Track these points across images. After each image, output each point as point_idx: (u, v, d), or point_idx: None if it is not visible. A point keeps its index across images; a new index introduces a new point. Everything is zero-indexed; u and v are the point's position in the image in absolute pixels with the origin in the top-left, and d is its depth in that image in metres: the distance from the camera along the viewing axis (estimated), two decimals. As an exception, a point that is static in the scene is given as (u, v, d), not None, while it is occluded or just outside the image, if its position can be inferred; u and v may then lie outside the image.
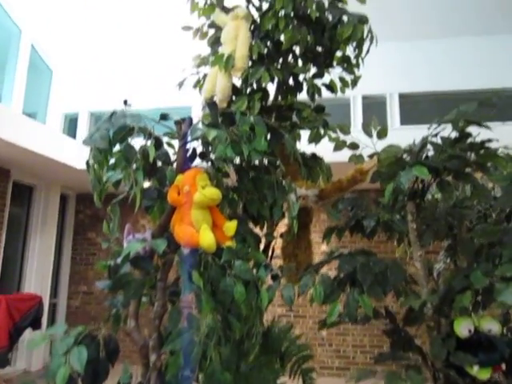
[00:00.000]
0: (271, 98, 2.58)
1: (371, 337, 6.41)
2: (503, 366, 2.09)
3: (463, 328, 1.94)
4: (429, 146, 2.11)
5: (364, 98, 6.74)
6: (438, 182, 2.03)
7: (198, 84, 2.80)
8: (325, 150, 2.68)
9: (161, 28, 6.72)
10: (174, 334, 1.83)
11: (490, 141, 1.92)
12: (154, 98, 6.93)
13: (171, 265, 2.09)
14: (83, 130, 7.46)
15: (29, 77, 6.86)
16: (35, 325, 5.47)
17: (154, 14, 6.73)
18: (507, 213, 2.39)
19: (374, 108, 6.79)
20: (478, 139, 2.04)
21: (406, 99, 6.79)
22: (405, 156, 2.05)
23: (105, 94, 7.33)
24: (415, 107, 7.18)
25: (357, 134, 2.63)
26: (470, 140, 1.95)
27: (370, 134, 2.50)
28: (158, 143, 2.07)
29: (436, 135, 2.03)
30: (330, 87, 2.68)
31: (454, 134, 2.09)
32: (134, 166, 1.94)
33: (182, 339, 1.88)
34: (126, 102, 2.07)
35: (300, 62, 2.62)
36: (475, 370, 1.96)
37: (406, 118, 6.66)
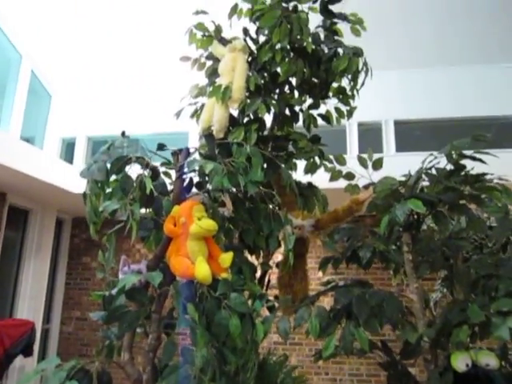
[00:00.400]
0: (268, 128, 2.61)
1: (368, 365, 6.32)
2: (501, 401, 2.06)
3: (460, 362, 1.92)
4: (424, 176, 2.13)
5: (360, 124, 6.82)
6: (434, 213, 2.04)
7: (196, 114, 2.83)
8: (321, 178, 2.71)
9: (160, 55, 6.83)
10: (169, 369, 1.80)
11: (484, 174, 1.95)
12: (152, 123, 6.99)
13: (166, 296, 2.08)
14: (80, 154, 7.49)
15: (28, 101, 6.92)
16: (27, 351, 5.35)
17: (154, 41, 6.84)
18: (503, 243, 2.40)
19: (370, 134, 6.86)
20: (474, 171, 2.07)
21: (402, 126, 6.87)
22: (400, 188, 2.07)
23: (103, 119, 7.39)
24: (411, 134, 7.26)
25: (353, 161, 2.65)
26: (464, 172, 1.97)
27: (365, 166, 2.52)
28: (154, 174, 2.08)
29: (430, 168, 2.05)
30: (326, 118, 2.72)
31: (449, 166, 2.11)
32: (131, 196, 1.94)
33: (176, 373, 1.85)
34: (123, 134, 2.08)
35: (296, 94, 2.66)
36: (473, 405, 1.94)
37: (402, 145, 6.72)
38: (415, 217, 2.14)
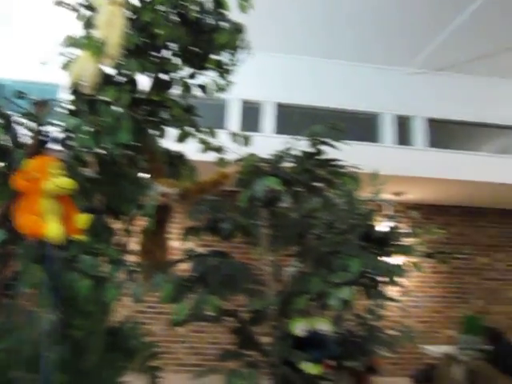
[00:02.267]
0: (144, 92, 2.53)
1: (227, 334, 6.61)
2: (333, 362, 2.32)
3: (299, 328, 2.11)
4: (292, 159, 2.27)
5: (245, 102, 6.94)
6: (291, 192, 2.19)
7: (67, 65, 2.62)
8: (194, 150, 2.71)
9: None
10: (4, 331, 1.69)
11: (335, 160, 2.13)
12: (21, 68, 6.31)
13: (11, 256, 1.93)
14: None
15: None
16: None
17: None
18: (351, 224, 2.65)
19: (254, 114, 7.02)
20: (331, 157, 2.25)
21: (285, 109, 7.14)
22: (264, 166, 2.17)
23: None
24: (293, 118, 7.58)
25: (230, 137, 2.69)
26: (319, 157, 2.13)
27: (238, 142, 2.59)
28: (7, 123, 1.90)
29: (291, 150, 2.19)
30: (203, 88, 2.71)
31: (311, 150, 2.27)
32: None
33: (15, 336, 1.75)
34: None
35: (176, 61, 2.61)
36: (307, 366, 2.15)
37: (283, 128, 7.00)
38: (274, 194, 2.27)
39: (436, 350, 5.69)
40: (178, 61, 2.62)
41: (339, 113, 7.06)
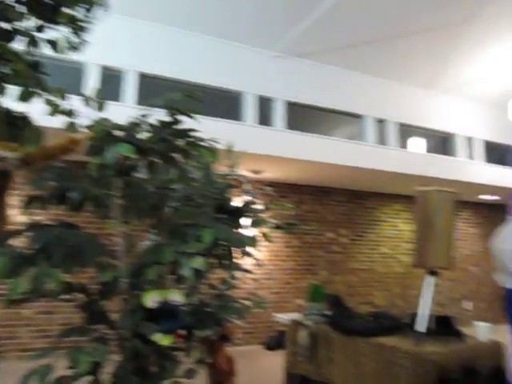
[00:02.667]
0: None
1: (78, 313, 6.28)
2: (184, 332, 2.35)
3: (150, 299, 2.09)
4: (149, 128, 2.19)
5: (106, 69, 6.52)
6: (147, 162, 2.12)
7: None
8: (42, 113, 2.46)
9: None
10: None
11: (193, 130, 2.12)
12: None
13: None
14: None
15: None
16: None
17: None
18: (205, 197, 2.69)
19: (114, 82, 6.65)
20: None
21: (147, 80, 6.89)
22: (118, 132, 2.06)
23: None
24: (156, 91, 7.35)
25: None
26: (176, 127, 2.10)
27: (93, 106, 2.42)
28: None
29: (145, 116, 2.11)
30: (53, 43, 2.46)
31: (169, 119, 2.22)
32: None
33: None
34: None
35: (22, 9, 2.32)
36: (157, 337, 2.14)
37: (145, 99, 6.76)
38: (129, 163, 2.18)
39: (286, 317, 6.13)
40: (23, 9, 2.34)
41: (203, 88, 7.06)
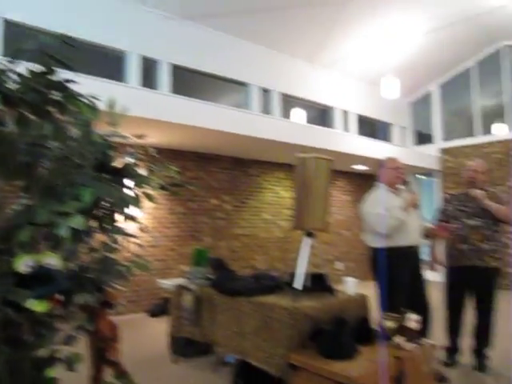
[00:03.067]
0: None
1: None
2: (61, 298, 2.23)
3: (22, 264, 1.94)
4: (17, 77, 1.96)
5: None
6: (16, 114, 1.92)
7: None
8: None
9: None
10: None
11: (70, 81, 1.97)
12: None
13: None
14: None
15: None
16: None
17: None
18: (84, 156, 2.53)
19: None
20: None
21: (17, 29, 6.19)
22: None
23: None
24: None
25: None
26: (51, 77, 1.93)
27: None
28: None
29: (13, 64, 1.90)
30: None
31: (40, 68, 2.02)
32: None
33: None
34: None
35: None
36: (31, 304, 2.00)
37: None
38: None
39: (170, 283, 6.16)
40: None
41: (84, 44, 6.58)
